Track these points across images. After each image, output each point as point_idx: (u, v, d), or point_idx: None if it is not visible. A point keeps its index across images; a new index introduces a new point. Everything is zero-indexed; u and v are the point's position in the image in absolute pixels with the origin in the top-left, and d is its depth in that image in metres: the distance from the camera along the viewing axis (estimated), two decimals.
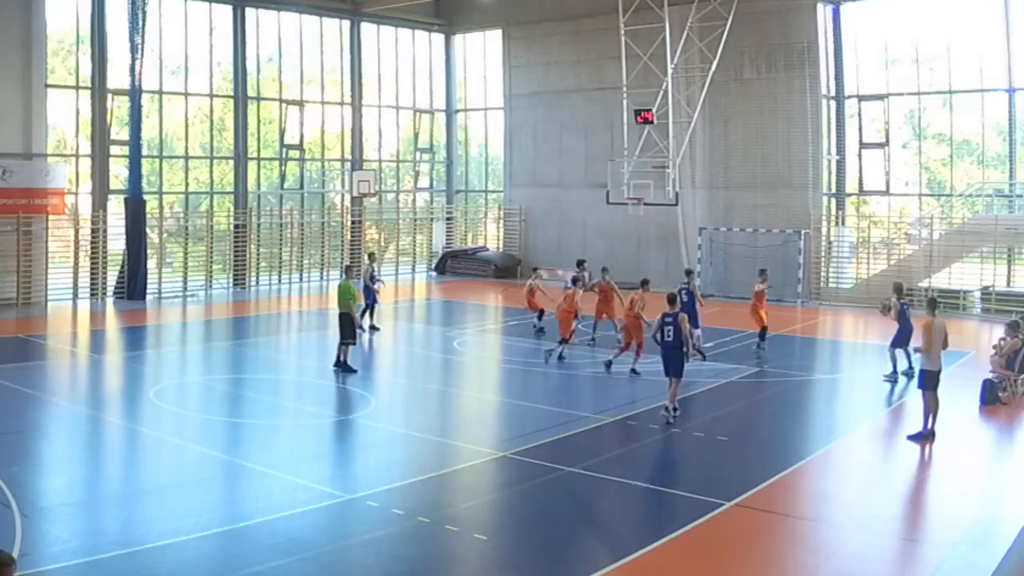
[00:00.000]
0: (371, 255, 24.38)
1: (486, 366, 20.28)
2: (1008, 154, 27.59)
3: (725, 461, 12.84)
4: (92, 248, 27.49)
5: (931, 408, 13.51)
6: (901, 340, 17.36)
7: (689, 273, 21.02)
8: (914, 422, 14.52)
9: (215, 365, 19.79)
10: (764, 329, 20.14)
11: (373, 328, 22.14)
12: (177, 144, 30.71)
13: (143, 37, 26.99)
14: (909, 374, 17.16)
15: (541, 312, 22.44)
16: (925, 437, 13.53)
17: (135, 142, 27.52)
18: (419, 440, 13.60)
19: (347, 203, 34.70)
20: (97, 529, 9.88)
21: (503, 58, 36.13)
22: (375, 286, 22.48)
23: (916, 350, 13.90)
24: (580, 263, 22.94)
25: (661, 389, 16.60)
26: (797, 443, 13.95)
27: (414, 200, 38.12)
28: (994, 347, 17.02)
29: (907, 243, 29.10)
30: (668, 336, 14.37)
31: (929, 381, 13.55)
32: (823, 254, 29.02)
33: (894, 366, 17.48)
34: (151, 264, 28.37)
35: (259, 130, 32.33)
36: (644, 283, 18.23)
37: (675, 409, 14.37)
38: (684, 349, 14.47)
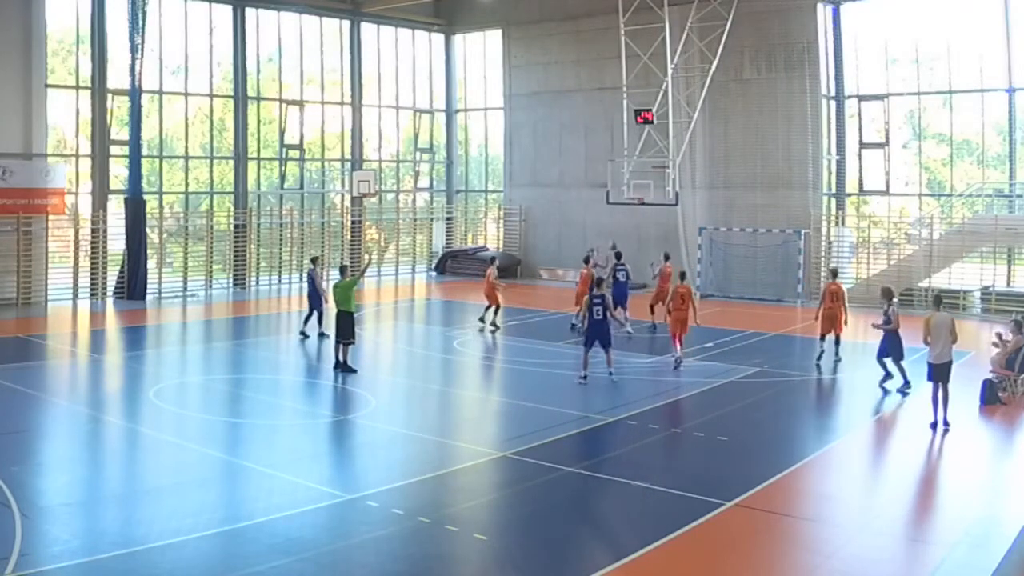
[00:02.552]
0: (315, 259, 23.10)
1: (486, 366, 20.27)
2: (1008, 154, 27.58)
3: (725, 461, 12.83)
4: (92, 248, 27.48)
5: (937, 399, 14.03)
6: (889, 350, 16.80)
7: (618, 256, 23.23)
8: (914, 423, 14.58)
9: (215, 365, 19.79)
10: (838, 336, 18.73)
11: (322, 335, 21.06)
12: (177, 144, 30.71)
13: (143, 37, 26.97)
14: (904, 391, 16.52)
15: (497, 306, 22.83)
16: (936, 425, 14.06)
17: (135, 142, 27.51)
18: (419, 440, 13.60)
19: (347, 203, 34.72)
20: (97, 529, 9.88)
21: (503, 58, 36.12)
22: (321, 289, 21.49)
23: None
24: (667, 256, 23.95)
25: (662, 389, 16.73)
26: (797, 443, 13.95)
27: (414, 200, 38.12)
28: (994, 343, 16.93)
29: (907, 243, 29.09)
30: (597, 315, 16.78)
31: (931, 373, 14.09)
32: (823, 254, 29.02)
33: (887, 372, 16.92)
34: (151, 264, 28.36)
35: (259, 130, 32.33)
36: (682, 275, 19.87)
37: (611, 373, 16.99)
38: (608, 325, 17.11)
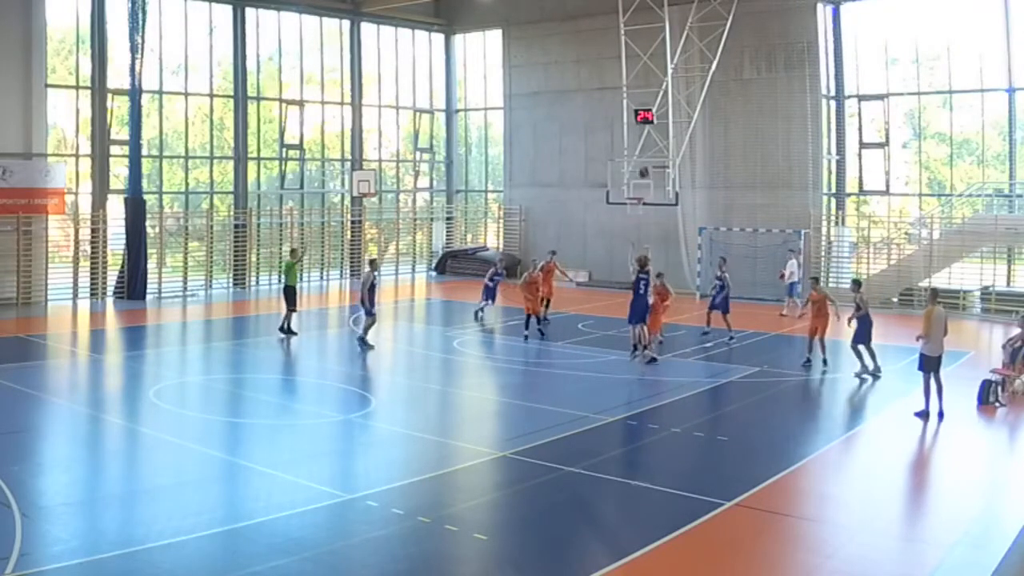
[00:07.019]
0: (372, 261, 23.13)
1: (486, 366, 20.27)
2: (1008, 154, 27.59)
3: (725, 461, 12.84)
4: (92, 248, 27.48)
5: (929, 389, 14.60)
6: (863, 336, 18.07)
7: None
8: (913, 423, 14.58)
9: (215, 365, 19.78)
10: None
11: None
12: (177, 144, 30.72)
13: (143, 37, 26.97)
14: (877, 374, 17.79)
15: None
16: (927, 415, 14.58)
17: (135, 142, 27.51)
18: (419, 440, 13.60)
19: (347, 203, 34.72)
20: (97, 529, 9.88)
21: (503, 58, 36.12)
22: None
23: (919, 337, 14.90)
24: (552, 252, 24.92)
25: (661, 389, 16.76)
26: (797, 443, 13.93)
27: (414, 200, 38.11)
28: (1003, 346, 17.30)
29: (907, 243, 29.10)
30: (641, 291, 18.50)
31: (927, 364, 14.65)
32: (823, 254, 29.01)
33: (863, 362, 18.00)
34: (151, 264, 28.36)
35: (259, 130, 32.33)
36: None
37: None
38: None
